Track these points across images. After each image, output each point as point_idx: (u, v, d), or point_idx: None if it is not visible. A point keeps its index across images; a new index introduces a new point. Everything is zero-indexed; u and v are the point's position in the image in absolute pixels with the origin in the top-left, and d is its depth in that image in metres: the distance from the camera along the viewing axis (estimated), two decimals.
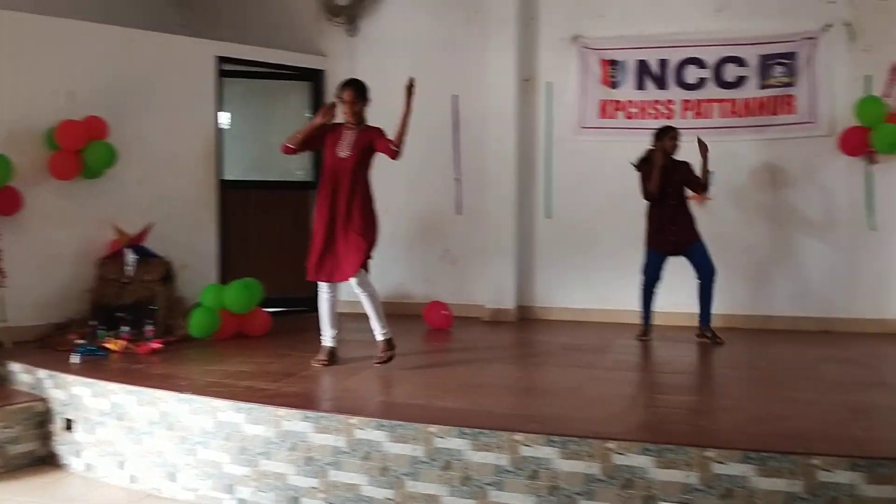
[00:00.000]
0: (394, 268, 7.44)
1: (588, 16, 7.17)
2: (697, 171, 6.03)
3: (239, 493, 4.18)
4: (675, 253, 6.06)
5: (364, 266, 5.05)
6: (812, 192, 6.75)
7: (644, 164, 6.02)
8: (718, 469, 3.44)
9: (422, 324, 6.77)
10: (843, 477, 3.33)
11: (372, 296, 5.08)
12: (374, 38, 7.61)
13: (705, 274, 6.00)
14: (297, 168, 7.90)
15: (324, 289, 5.18)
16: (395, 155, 5.00)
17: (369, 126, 5.15)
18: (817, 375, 5.06)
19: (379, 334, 5.14)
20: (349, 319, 7.19)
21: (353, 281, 5.01)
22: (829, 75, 6.66)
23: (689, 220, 6.07)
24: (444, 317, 6.75)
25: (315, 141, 5.16)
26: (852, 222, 6.66)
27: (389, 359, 5.13)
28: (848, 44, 6.63)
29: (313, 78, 7.69)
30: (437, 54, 7.44)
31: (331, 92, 7.67)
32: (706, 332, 6.06)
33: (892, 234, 6.54)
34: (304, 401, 4.27)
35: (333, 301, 5.20)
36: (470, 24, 7.37)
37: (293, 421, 4.06)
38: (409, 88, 5.00)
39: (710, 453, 3.46)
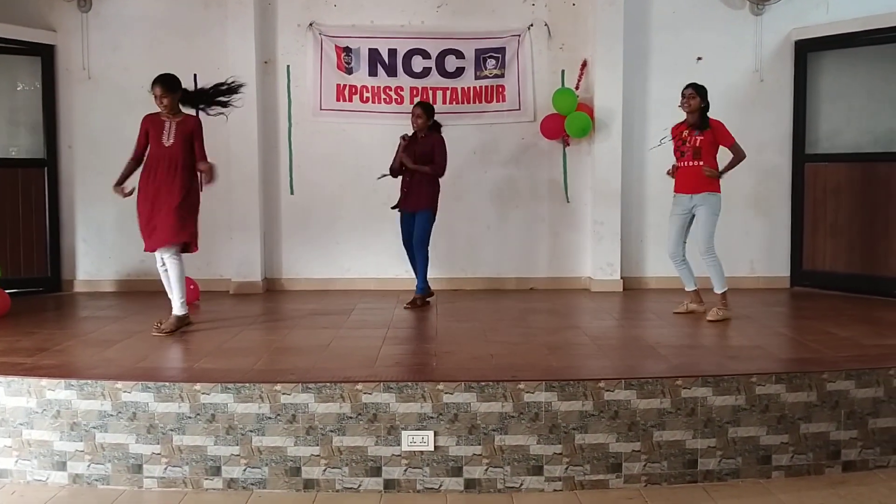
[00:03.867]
0: (136, 244, 7.42)
1: (322, 4, 7.63)
2: None
3: (1, 464, 4.25)
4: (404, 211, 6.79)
5: (177, 242, 5.61)
6: (520, 171, 7.80)
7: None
8: (447, 398, 4.17)
9: (167, 299, 6.91)
10: (542, 396, 4.20)
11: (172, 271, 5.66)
12: (109, 14, 7.51)
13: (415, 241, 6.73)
14: (11, 146, 7.63)
15: (157, 259, 5.71)
16: (203, 163, 5.66)
17: (188, 116, 5.71)
18: (524, 323, 6.05)
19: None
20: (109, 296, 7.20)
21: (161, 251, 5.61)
22: (532, 69, 7.71)
23: (422, 189, 6.68)
24: (189, 290, 6.90)
25: (139, 150, 5.71)
26: (552, 196, 7.80)
27: (171, 331, 5.62)
28: (547, 42, 7.71)
29: (42, 52, 7.43)
30: (176, 34, 7.55)
31: (63, 67, 7.53)
32: (418, 299, 6.76)
33: (582, 205, 7.77)
34: (65, 371, 4.41)
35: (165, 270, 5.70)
36: (208, 7, 7.54)
37: (56, 390, 4.21)
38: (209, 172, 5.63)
39: (441, 386, 4.18)
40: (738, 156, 6.04)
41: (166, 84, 5.55)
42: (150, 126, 5.63)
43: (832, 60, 7.50)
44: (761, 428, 4.28)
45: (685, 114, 6.11)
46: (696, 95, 6.02)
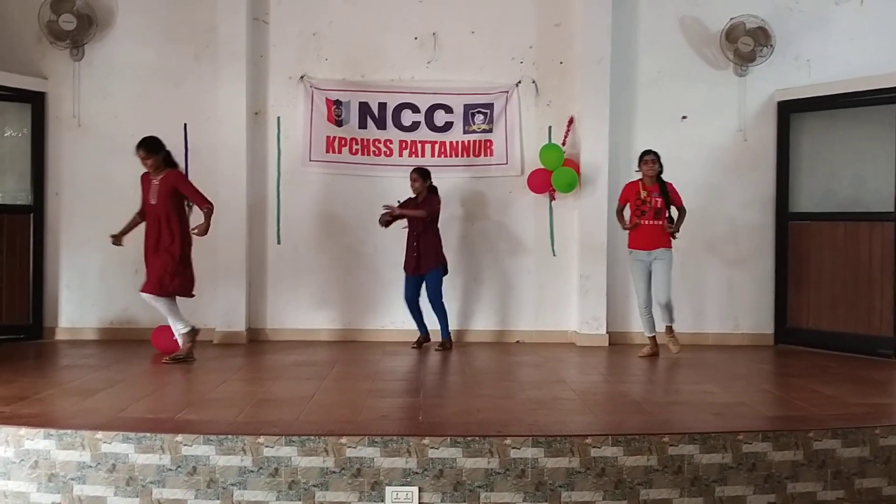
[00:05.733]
0: (120, 293, 7.43)
1: (314, 58, 7.73)
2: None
3: None
4: (416, 274, 7.17)
5: (161, 295, 6.22)
6: (507, 223, 7.85)
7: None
8: (433, 454, 4.12)
9: (150, 348, 6.86)
10: (528, 452, 4.17)
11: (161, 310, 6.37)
12: (100, 63, 7.57)
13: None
14: (7, 194, 7.63)
15: None
16: (201, 207, 6.26)
17: (169, 172, 6.25)
18: (511, 377, 6.02)
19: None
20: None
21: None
22: (520, 124, 7.80)
23: (429, 250, 7.12)
24: (172, 340, 6.84)
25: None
26: (539, 249, 7.84)
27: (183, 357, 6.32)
28: (535, 98, 7.83)
29: (33, 100, 7.47)
30: (166, 84, 7.60)
31: (53, 114, 7.57)
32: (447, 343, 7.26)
33: (568, 259, 7.80)
34: (44, 420, 4.34)
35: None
36: (200, 58, 7.62)
37: (35, 440, 4.13)
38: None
39: (426, 441, 4.14)
40: (684, 214, 6.80)
41: (148, 147, 6.13)
42: (143, 184, 6.29)
43: (814, 121, 7.65)
44: (748, 487, 4.25)
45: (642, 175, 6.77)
46: (657, 161, 6.71)
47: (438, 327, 7.23)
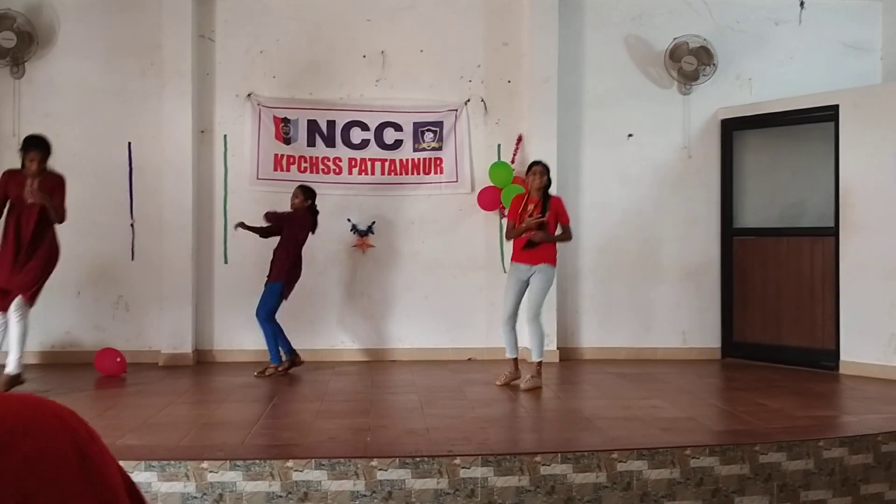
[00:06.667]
0: (61, 315, 7.24)
1: (261, 75, 7.67)
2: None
3: None
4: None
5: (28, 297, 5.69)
6: (458, 240, 7.84)
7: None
8: (381, 475, 4.07)
9: (93, 371, 6.69)
10: (478, 472, 4.14)
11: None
12: (42, 81, 7.41)
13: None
14: None
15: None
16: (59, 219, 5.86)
17: (51, 173, 5.82)
18: (461, 395, 5.98)
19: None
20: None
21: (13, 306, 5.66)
22: (469, 142, 7.84)
23: (276, 260, 6.83)
24: (116, 363, 6.70)
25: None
26: (490, 266, 7.85)
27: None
28: (484, 116, 7.87)
29: None
30: (110, 102, 7.46)
31: None
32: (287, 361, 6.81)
33: None
34: None
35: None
36: (145, 75, 7.50)
37: None
38: None
39: (374, 462, 4.09)
40: (568, 234, 6.36)
41: (46, 147, 5.84)
42: (10, 182, 5.81)
43: (756, 138, 7.82)
44: (696, 502, 4.28)
45: (531, 188, 6.26)
46: (545, 173, 6.26)
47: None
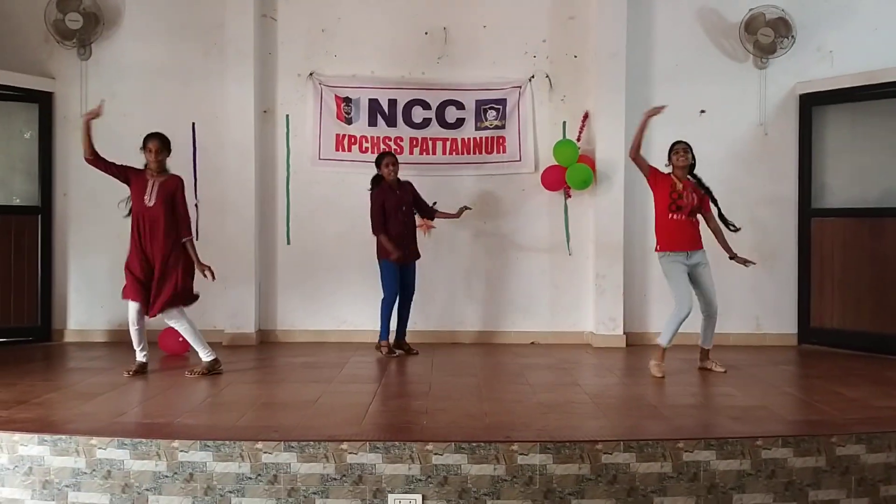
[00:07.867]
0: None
1: (322, 55, 7.61)
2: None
3: None
4: (405, 264, 6.80)
5: (175, 304, 5.79)
6: (521, 222, 7.67)
7: (375, 185, 6.75)
8: (437, 460, 3.97)
9: (157, 350, 6.76)
10: (536, 459, 4.00)
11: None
12: (108, 62, 7.50)
13: (410, 292, 6.89)
14: (15, 195, 7.55)
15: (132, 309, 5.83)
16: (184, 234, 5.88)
17: (172, 175, 5.90)
18: (522, 380, 5.83)
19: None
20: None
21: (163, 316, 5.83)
22: (533, 120, 7.64)
23: (414, 236, 6.87)
24: (179, 343, 6.75)
25: (111, 169, 5.86)
26: (554, 248, 7.66)
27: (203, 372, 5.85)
28: (549, 93, 7.65)
29: (40, 100, 7.40)
30: (174, 82, 7.52)
31: (60, 114, 7.50)
32: (403, 345, 6.87)
33: (584, 258, 7.62)
34: (40, 425, 4.23)
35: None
36: (208, 55, 7.52)
37: (29, 446, 4.02)
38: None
39: (430, 446, 3.99)
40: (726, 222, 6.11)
41: (164, 140, 5.85)
42: (136, 181, 5.86)
43: (837, 114, 7.41)
44: (768, 495, 4.06)
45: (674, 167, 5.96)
46: (689, 150, 5.94)
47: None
